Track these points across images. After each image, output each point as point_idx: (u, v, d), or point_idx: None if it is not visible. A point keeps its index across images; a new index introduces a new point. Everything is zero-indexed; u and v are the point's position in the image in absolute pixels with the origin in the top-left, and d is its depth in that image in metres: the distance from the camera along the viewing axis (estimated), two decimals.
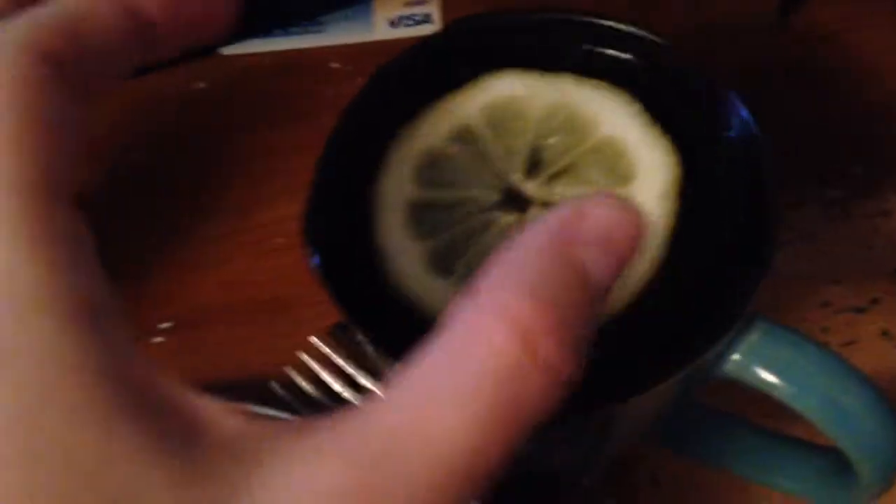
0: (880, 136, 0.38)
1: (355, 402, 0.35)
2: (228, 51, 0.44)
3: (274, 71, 0.44)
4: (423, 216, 0.24)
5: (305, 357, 0.37)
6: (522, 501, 0.32)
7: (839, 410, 0.21)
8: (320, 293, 0.39)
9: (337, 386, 0.36)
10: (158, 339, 0.38)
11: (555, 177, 0.24)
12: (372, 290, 0.23)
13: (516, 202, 0.24)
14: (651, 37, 0.25)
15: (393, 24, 0.45)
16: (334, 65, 0.44)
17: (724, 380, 0.23)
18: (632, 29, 0.25)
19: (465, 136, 0.25)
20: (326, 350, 0.37)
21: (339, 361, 0.36)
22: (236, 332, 0.38)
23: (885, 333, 0.34)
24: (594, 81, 0.25)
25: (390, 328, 0.22)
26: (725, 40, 0.41)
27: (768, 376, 0.22)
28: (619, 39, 0.25)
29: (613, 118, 0.24)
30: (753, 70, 0.40)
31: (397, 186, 0.24)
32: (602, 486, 0.33)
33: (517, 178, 0.24)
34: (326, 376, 0.36)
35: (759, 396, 0.32)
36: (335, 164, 0.25)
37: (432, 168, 0.24)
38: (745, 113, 0.23)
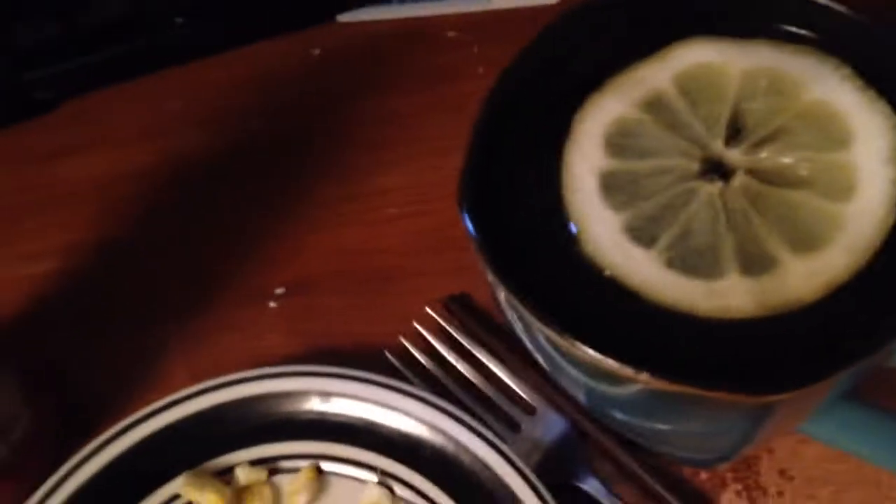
0: None
1: (467, 374, 0.35)
2: (344, 18, 0.44)
3: (389, 39, 0.44)
4: (617, 186, 0.23)
5: (420, 328, 0.36)
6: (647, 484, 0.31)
7: None
8: (433, 264, 0.39)
9: (451, 358, 0.35)
10: (273, 304, 0.38)
11: (761, 143, 0.23)
12: (549, 257, 0.22)
13: (719, 171, 0.23)
14: (846, 12, 0.23)
15: None
16: (451, 34, 0.43)
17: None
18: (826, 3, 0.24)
19: (656, 104, 0.24)
20: (441, 320, 0.36)
21: (454, 332, 0.36)
22: (347, 300, 0.38)
23: None
24: (794, 46, 0.23)
25: (571, 296, 0.21)
26: None
27: None
28: (808, 14, 0.24)
29: (822, 81, 0.23)
30: None
31: (586, 156, 0.23)
32: (726, 473, 0.32)
33: (718, 146, 0.23)
34: (441, 347, 0.36)
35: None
36: (494, 129, 0.24)
37: (624, 137, 0.23)
38: None
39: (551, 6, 0.42)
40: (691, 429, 0.25)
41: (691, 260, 0.22)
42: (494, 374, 0.35)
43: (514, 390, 0.34)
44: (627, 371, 0.20)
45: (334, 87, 0.43)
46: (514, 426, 0.33)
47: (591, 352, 0.20)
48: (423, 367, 0.35)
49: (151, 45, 0.42)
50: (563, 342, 0.21)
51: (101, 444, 0.32)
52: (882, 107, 0.23)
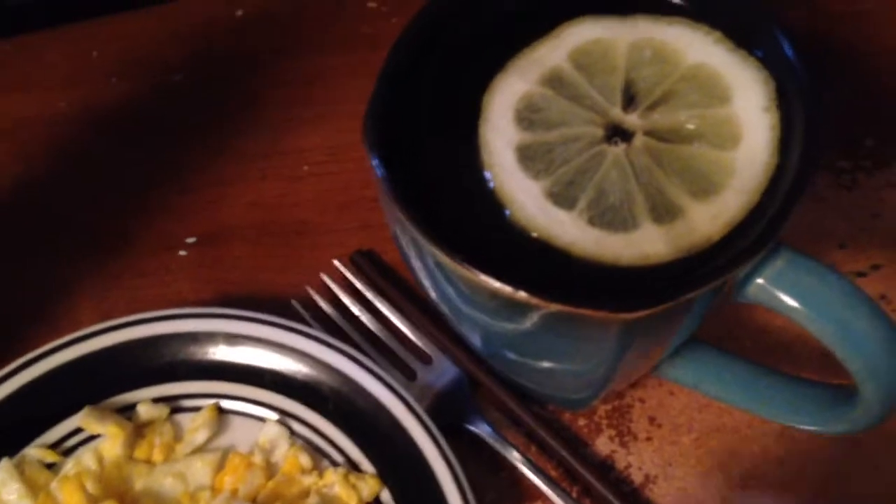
0: (892, 113, 0.40)
1: (369, 325, 0.36)
2: None
3: (312, 4, 0.45)
4: (533, 156, 0.25)
5: (327, 279, 0.38)
6: (528, 425, 0.34)
7: (852, 333, 0.23)
8: (343, 221, 0.40)
9: (354, 309, 0.37)
10: (182, 253, 0.39)
11: (653, 105, 0.25)
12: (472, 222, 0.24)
13: (621, 134, 0.25)
14: None
15: None
16: (371, 4, 0.45)
17: (750, 302, 0.24)
18: None
19: (556, 80, 0.26)
20: (347, 273, 0.38)
21: (359, 285, 0.37)
22: (259, 251, 0.39)
23: (883, 297, 0.36)
24: (668, 18, 0.26)
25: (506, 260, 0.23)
26: None
27: (789, 300, 0.24)
28: None
29: (698, 46, 0.26)
30: None
31: (501, 132, 0.25)
32: (601, 420, 0.34)
33: (617, 113, 0.26)
34: (345, 298, 0.37)
35: (761, 343, 0.34)
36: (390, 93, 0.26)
37: (532, 112, 0.26)
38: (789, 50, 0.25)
39: None
40: (566, 364, 0.28)
41: (608, 216, 0.24)
42: (394, 326, 0.37)
43: (412, 341, 0.36)
44: (507, 290, 0.22)
45: (256, 47, 0.44)
46: (410, 374, 0.35)
47: (480, 274, 0.22)
48: (328, 316, 0.37)
49: None
50: (454, 265, 0.23)
51: (5, 376, 0.32)
52: (753, 63, 0.26)
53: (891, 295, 0.36)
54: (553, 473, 0.33)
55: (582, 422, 0.34)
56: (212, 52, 0.44)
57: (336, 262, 0.38)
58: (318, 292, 0.37)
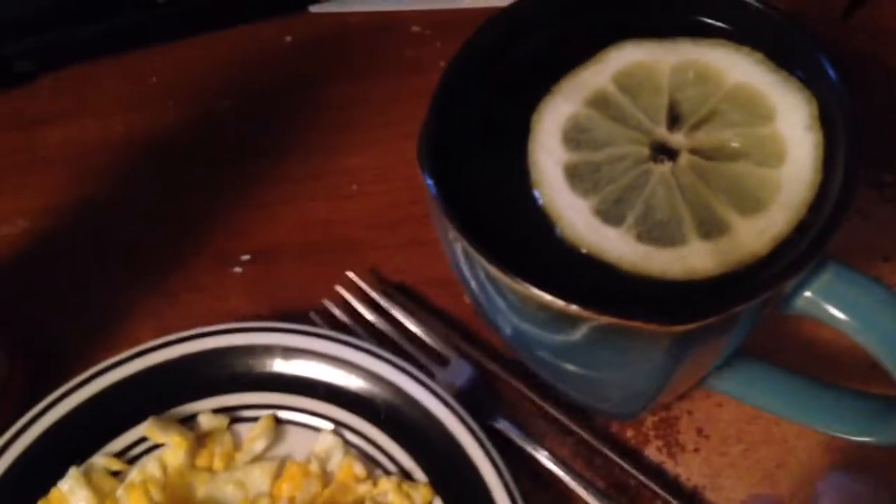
0: None
1: (386, 331, 0.37)
2: (316, 8, 0.47)
3: (357, 30, 0.47)
4: (581, 175, 0.26)
5: (342, 289, 0.39)
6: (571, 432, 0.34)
7: None
8: (392, 237, 0.41)
9: (370, 316, 0.38)
10: (237, 269, 0.40)
11: (697, 125, 0.26)
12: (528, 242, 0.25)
13: (666, 152, 0.26)
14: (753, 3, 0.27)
15: None
16: (415, 28, 0.46)
17: (798, 315, 0.25)
18: None
19: (602, 102, 0.27)
20: (362, 284, 0.39)
21: (374, 295, 0.38)
22: (310, 267, 0.40)
23: None
24: (710, 40, 0.27)
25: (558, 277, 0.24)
26: None
27: (836, 312, 0.24)
28: (714, 6, 0.27)
29: (740, 67, 0.26)
30: None
31: (549, 152, 0.26)
32: (649, 431, 0.35)
33: (661, 132, 0.27)
34: (358, 305, 0.38)
35: (808, 355, 0.34)
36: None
37: (579, 133, 0.27)
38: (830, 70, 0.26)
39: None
40: (616, 376, 0.28)
41: (656, 232, 0.25)
42: (409, 331, 0.38)
43: (428, 344, 0.37)
44: (558, 303, 0.23)
45: (305, 72, 0.46)
46: (428, 375, 0.36)
47: (532, 288, 0.23)
48: (344, 324, 0.38)
49: (133, 22, 0.45)
50: (506, 279, 0.24)
51: (71, 389, 0.34)
52: (795, 83, 0.26)
53: None
54: (597, 482, 0.34)
55: (630, 432, 0.35)
56: (262, 77, 0.46)
57: (350, 274, 0.39)
58: (334, 303, 0.38)
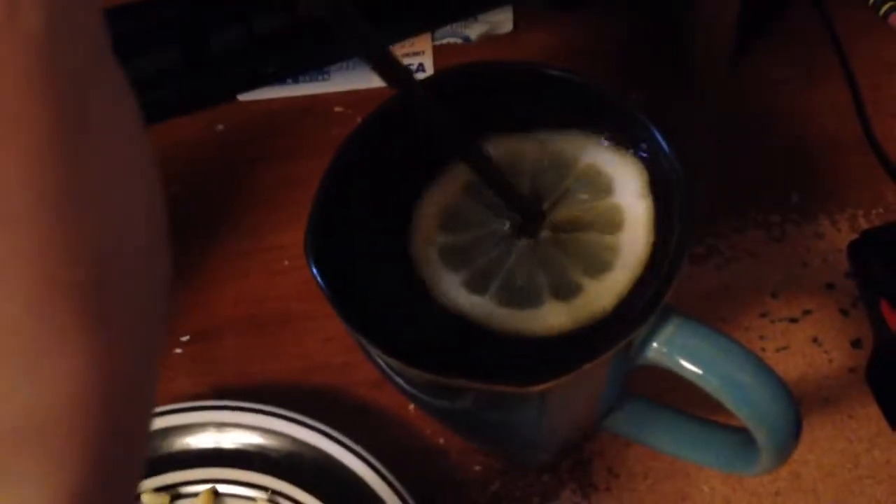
0: (814, 169, 0.43)
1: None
2: (244, 97, 0.50)
3: (285, 114, 0.50)
4: (453, 253, 0.30)
5: None
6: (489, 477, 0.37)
7: (738, 387, 0.26)
8: (323, 308, 0.44)
9: None
10: (178, 351, 0.43)
11: (555, 203, 0.30)
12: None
13: (527, 229, 0.29)
14: (593, 84, 0.30)
15: None
16: (337, 108, 0.50)
17: (649, 365, 0.28)
18: (577, 79, 0.30)
19: (474, 189, 0.30)
20: None
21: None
22: (246, 343, 0.43)
23: (815, 340, 0.39)
24: (563, 130, 0.31)
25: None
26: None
27: (682, 361, 0.27)
28: (568, 99, 0.31)
29: (588, 150, 0.30)
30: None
31: (427, 237, 0.30)
32: (564, 475, 0.37)
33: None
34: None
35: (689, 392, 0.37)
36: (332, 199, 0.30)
37: (453, 219, 0.30)
38: (664, 146, 0.29)
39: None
40: (509, 428, 0.31)
41: (516, 297, 0.28)
42: None
43: None
44: (427, 375, 0.26)
45: (238, 156, 0.49)
46: None
47: (401, 362, 0.26)
48: None
49: None
50: (389, 359, 0.27)
51: None
52: (630, 158, 0.30)
53: (822, 337, 0.39)
54: None
55: (545, 477, 0.37)
56: (196, 164, 0.49)
57: None
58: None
